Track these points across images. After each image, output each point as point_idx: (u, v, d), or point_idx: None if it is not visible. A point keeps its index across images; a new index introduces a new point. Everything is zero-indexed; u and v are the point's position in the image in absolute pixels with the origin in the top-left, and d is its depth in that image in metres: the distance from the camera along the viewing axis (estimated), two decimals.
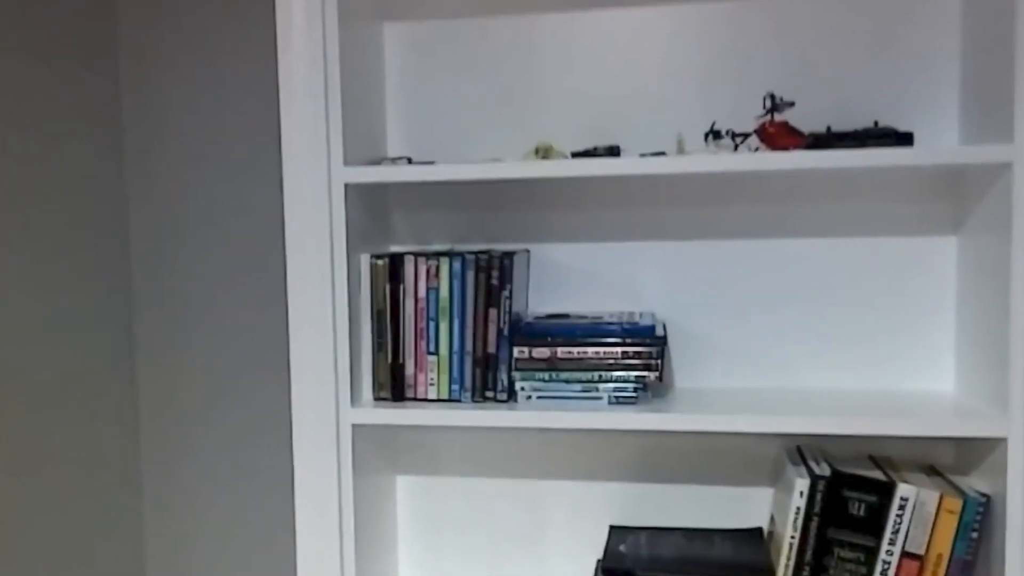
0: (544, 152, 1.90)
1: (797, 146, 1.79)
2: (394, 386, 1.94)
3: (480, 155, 2.08)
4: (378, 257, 1.93)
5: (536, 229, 2.08)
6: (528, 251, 2.08)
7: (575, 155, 1.88)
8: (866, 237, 1.96)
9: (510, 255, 1.89)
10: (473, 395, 1.91)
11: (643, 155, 1.81)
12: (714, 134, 1.87)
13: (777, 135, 1.81)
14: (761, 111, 1.91)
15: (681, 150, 1.86)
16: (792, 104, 1.85)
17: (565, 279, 2.07)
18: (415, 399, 1.94)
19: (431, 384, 1.93)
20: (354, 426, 1.91)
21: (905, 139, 1.76)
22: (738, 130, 1.91)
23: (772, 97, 1.84)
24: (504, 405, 1.89)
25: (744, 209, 2.00)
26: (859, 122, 1.92)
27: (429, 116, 2.11)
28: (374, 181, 1.90)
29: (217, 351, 2.24)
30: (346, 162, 1.87)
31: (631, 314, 1.99)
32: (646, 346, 1.85)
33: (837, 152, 1.71)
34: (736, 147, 1.86)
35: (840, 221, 1.97)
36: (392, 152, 2.12)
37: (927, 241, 1.94)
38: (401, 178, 1.88)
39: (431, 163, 1.92)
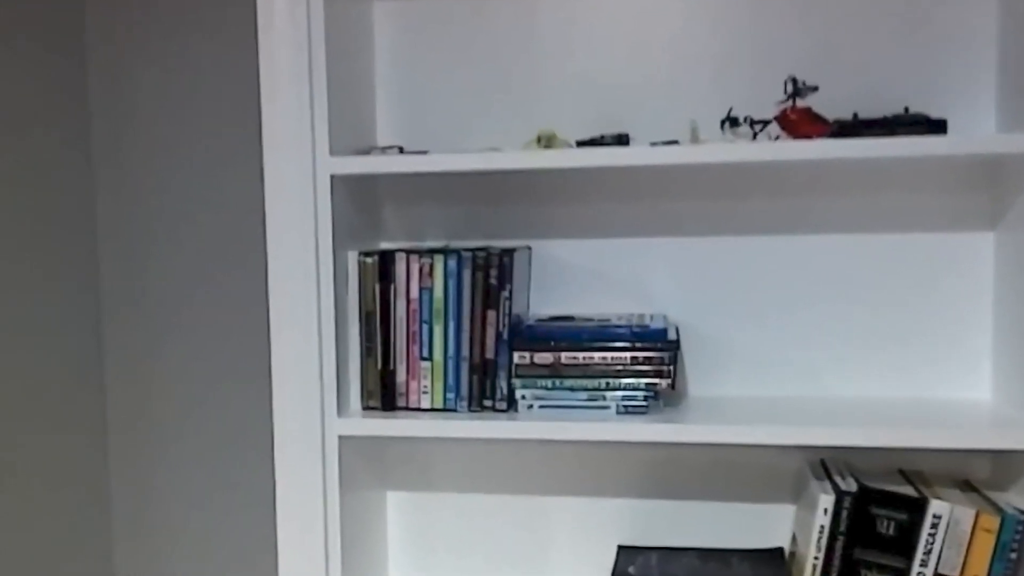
0: (546, 141, 1.89)
1: (821, 134, 1.79)
2: (384, 394, 1.93)
3: (477, 144, 2.08)
4: (367, 255, 1.92)
5: (538, 224, 2.08)
6: (529, 248, 2.08)
7: (580, 144, 1.88)
8: (896, 233, 1.96)
9: (510, 252, 1.89)
10: (470, 404, 1.91)
11: (654, 144, 1.81)
12: (731, 121, 1.86)
13: (799, 122, 1.80)
14: (782, 96, 1.90)
15: (695, 138, 1.86)
16: (816, 89, 1.85)
17: (569, 278, 2.07)
18: (407, 408, 1.94)
19: (424, 392, 1.92)
20: (341, 438, 1.91)
21: (938, 127, 1.75)
22: (757, 117, 1.91)
23: (794, 81, 1.84)
24: (503, 415, 1.88)
25: (763, 202, 2.00)
26: (888, 108, 1.92)
27: (422, 102, 2.10)
28: (362, 172, 1.90)
29: (192, 356, 2.24)
30: (332, 152, 1.87)
31: (641, 316, 1.99)
32: (657, 351, 1.85)
33: (864, 141, 1.70)
34: (755, 135, 1.86)
35: (867, 215, 1.96)
36: (382, 141, 2.12)
37: (962, 237, 1.94)
38: (392, 169, 1.88)
39: (424, 153, 1.92)
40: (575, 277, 2.07)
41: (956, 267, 1.94)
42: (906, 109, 1.85)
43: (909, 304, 1.96)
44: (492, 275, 1.88)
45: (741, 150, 1.75)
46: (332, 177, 1.87)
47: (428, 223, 2.12)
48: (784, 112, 1.82)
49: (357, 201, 2.00)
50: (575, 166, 1.81)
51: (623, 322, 1.92)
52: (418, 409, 1.93)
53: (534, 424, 1.84)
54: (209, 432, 2.25)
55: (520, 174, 2.07)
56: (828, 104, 1.92)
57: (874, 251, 1.96)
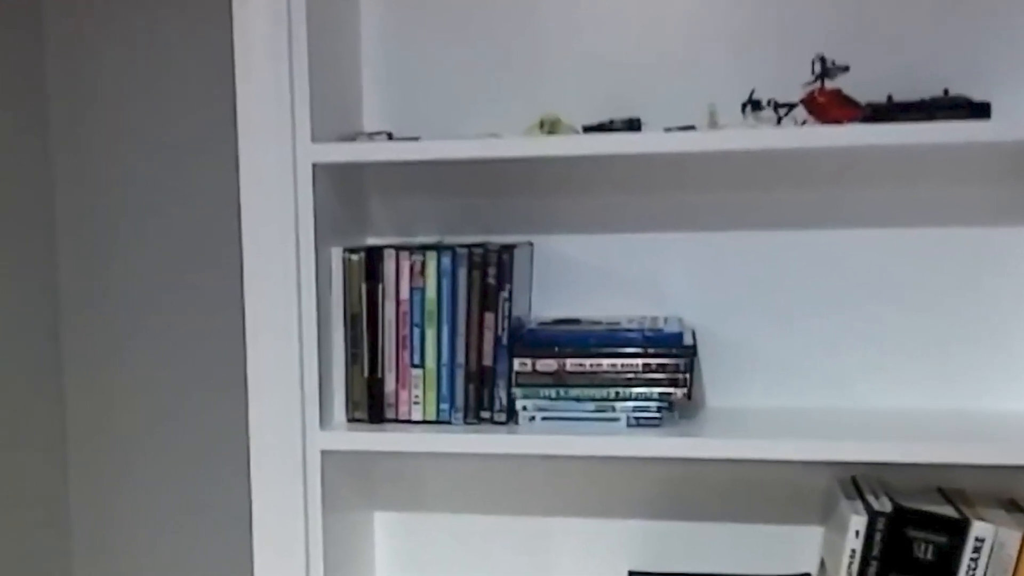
0: (550, 126, 1.90)
1: (852, 118, 1.79)
2: (371, 405, 1.94)
3: (474, 130, 2.08)
4: (352, 251, 1.92)
5: (541, 218, 2.08)
6: (531, 244, 2.08)
7: (587, 129, 1.88)
8: (934, 227, 1.96)
9: (510, 249, 1.89)
10: (466, 416, 1.91)
11: (668, 130, 1.81)
12: (753, 104, 1.86)
13: (828, 106, 1.80)
14: (809, 77, 1.90)
15: (713, 124, 1.86)
16: (846, 69, 1.85)
17: (575, 277, 2.07)
18: (396, 420, 1.94)
19: (415, 403, 1.93)
20: (324, 453, 1.91)
21: (981, 110, 1.75)
22: (781, 99, 1.90)
23: (822, 60, 1.84)
24: (503, 427, 1.89)
25: (789, 193, 2.00)
26: (926, 90, 1.91)
27: (413, 83, 2.10)
28: (348, 160, 1.90)
29: (160, 363, 2.24)
30: (314, 138, 1.87)
31: (654, 319, 1.99)
32: (672, 357, 1.85)
33: (900, 126, 1.71)
34: (779, 120, 1.86)
35: (903, 208, 1.97)
36: (369, 126, 2.12)
37: (1007, 232, 1.94)
38: (379, 157, 1.88)
39: (415, 139, 1.92)
40: (581, 276, 2.07)
41: (1001, 265, 1.94)
42: (945, 91, 1.85)
43: (949, 306, 1.96)
44: (490, 274, 1.88)
45: (764, 136, 1.75)
46: (314, 166, 1.87)
47: (420, 216, 2.12)
48: (811, 94, 1.82)
49: (341, 192, 2.00)
50: (581, 154, 1.81)
51: (634, 325, 1.92)
52: (408, 421, 1.93)
53: (536, 438, 1.84)
54: (178, 447, 2.25)
55: (521, 163, 2.07)
56: (860, 85, 1.91)
57: (910, 247, 1.97)
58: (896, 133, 1.71)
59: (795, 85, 1.95)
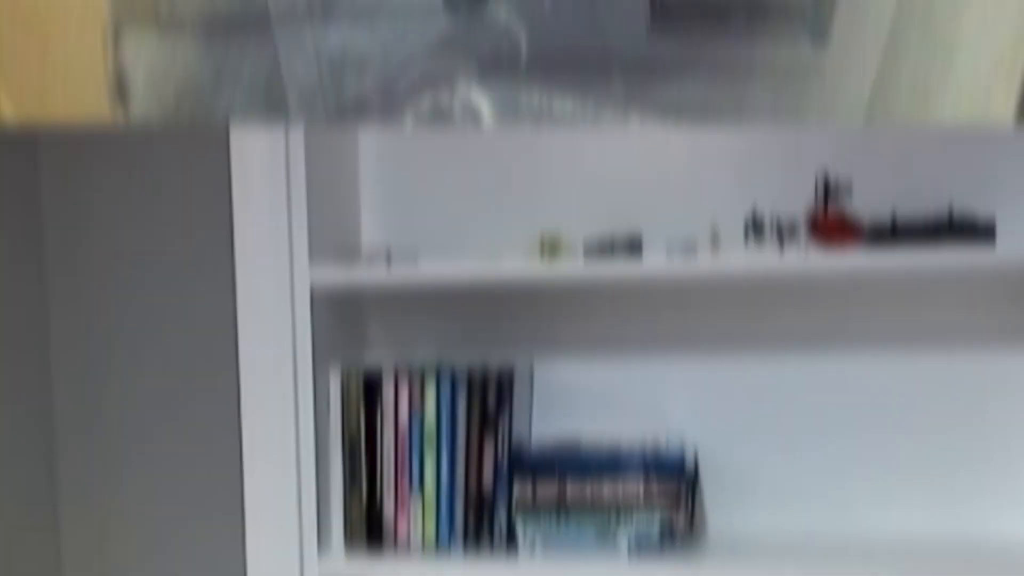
0: (551, 248, 1.89)
1: (855, 243, 1.79)
2: (370, 531, 1.93)
3: (474, 246, 2.07)
4: (351, 375, 1.92)
5: (541, 339, 2.08)
6: (532, 366, 2.07)
7: (588, 246, 1.87)
8: (940, 351, 1.95)
9: (510, 371, 1.89)
10: (465, 542, 1.90)
11: (670, 247, 1.81)
12: (755, 226, 1.86)
13: (832, 230, 1.80)
14: (811, 189, 1.89)
15: (716, 244, 1.86)
16: (849, 188, 1.84)
17: (576, 400, 2.06)
18: (395, 547, 1.92)
19: (415, 528, 1.91)
20: None
21: (987, 233, 1.75)
22: (784, 212, 1.89)
23: (826, 181, 1.84)
24: (503, 555, 1.88)
25: (791, 316, 2.00)
26: (930, 203, 1.89)
27: (411, 201, 2.11)
28: (346, 284, 1.90)
29: (155, 490, 2.24)
30: (312, 259, 1.86)
31: (655, 441, 1.98)
32: (673, 482, 1.84)
33: (903, 254, 1.73)
34: (781, 244, 1.85)
35: (908, 331, 1.96)
36: (367, 241, 2.11)
37: (1013, 356, 1.93)
38: (378, 281, 1.88)
39: (413, 260, 1.92)
40: (582, 399, 2.05)
41: (1008, 390, 1.93)
42: (950, 209, 1.83)
43: (957, 430, 1.95)
44: (490, 397, 1.88)
45: (766, 262, 1.76)
46: (312, 288, 1.87)
47: (419, 336, 2.11)
48: (814, 218, 1.82)
49: (339, 313, 2.00)
50: (581, 278, 1.82)
51: (635, 449, 1.91)
52: (408, 548, 1.92)
53: (537, 566, 1.83)
54: (176, 574, 2.23)
55: (521, 283, 2.06)
56: (863, 201, 1.90)
57: (917, 371, 1.96)
58: (899, 259, 1.71)
59: (796, 199, 1.94)
